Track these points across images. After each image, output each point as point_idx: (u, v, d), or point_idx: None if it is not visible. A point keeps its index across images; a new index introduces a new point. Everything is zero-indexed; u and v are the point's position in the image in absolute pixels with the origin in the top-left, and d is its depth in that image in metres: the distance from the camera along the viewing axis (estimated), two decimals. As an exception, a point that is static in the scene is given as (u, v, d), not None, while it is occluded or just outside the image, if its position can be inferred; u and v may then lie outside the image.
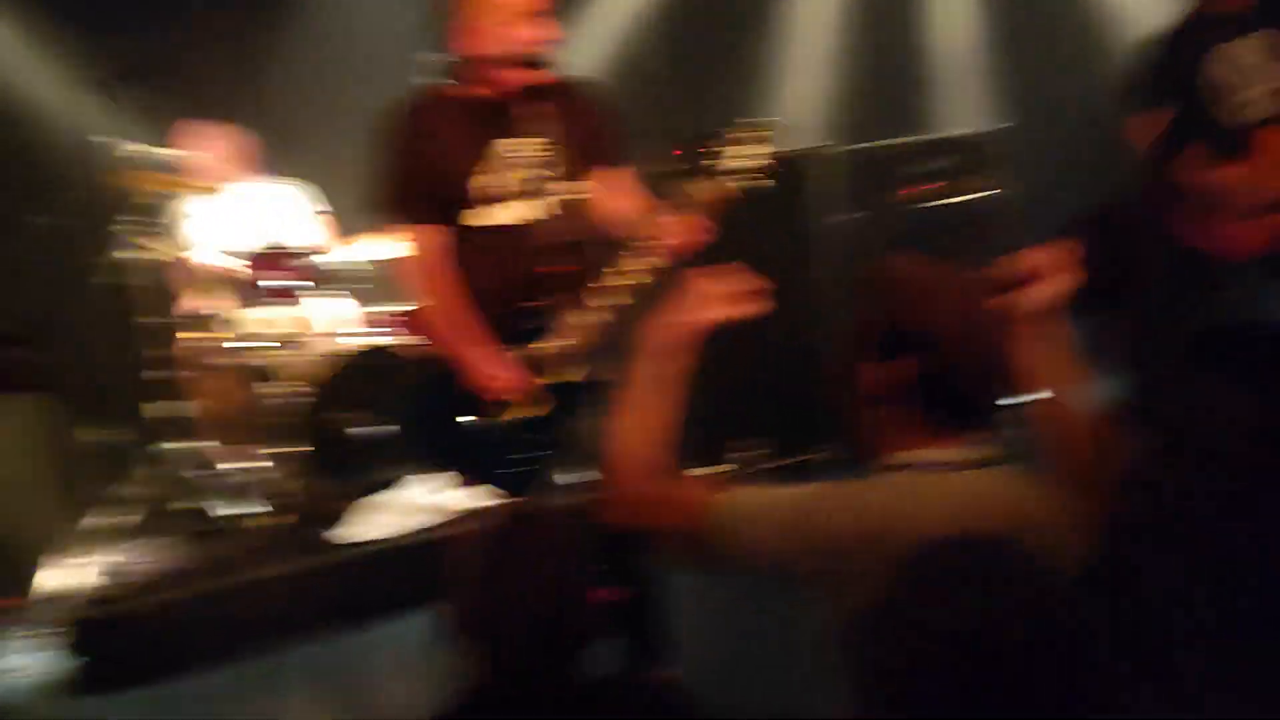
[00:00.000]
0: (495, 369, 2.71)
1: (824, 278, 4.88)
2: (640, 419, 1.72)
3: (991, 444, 1.64)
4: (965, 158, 5.26)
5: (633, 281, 2.69)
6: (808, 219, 4.93)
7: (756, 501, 1.64)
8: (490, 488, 2.80)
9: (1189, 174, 3.71)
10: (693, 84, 5.88)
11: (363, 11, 5.20)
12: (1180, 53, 3.77)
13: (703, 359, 3.79)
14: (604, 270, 2.62)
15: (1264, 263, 3.76)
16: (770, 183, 2.65)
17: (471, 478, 2.86)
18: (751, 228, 4.48)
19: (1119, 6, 5.52)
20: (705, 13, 5.96)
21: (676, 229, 2.62)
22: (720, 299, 1.77)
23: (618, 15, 5.92)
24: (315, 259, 4.51)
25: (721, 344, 4.61)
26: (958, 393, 1.60)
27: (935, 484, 1.56)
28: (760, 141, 2.60)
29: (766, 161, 2.60)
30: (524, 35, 2.61)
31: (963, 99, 6.13)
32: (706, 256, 4.15)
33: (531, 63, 2.62)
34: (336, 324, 4.64)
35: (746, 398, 4.65)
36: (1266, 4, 3.70)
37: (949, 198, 5.23)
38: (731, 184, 2.60)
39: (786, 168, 4.75)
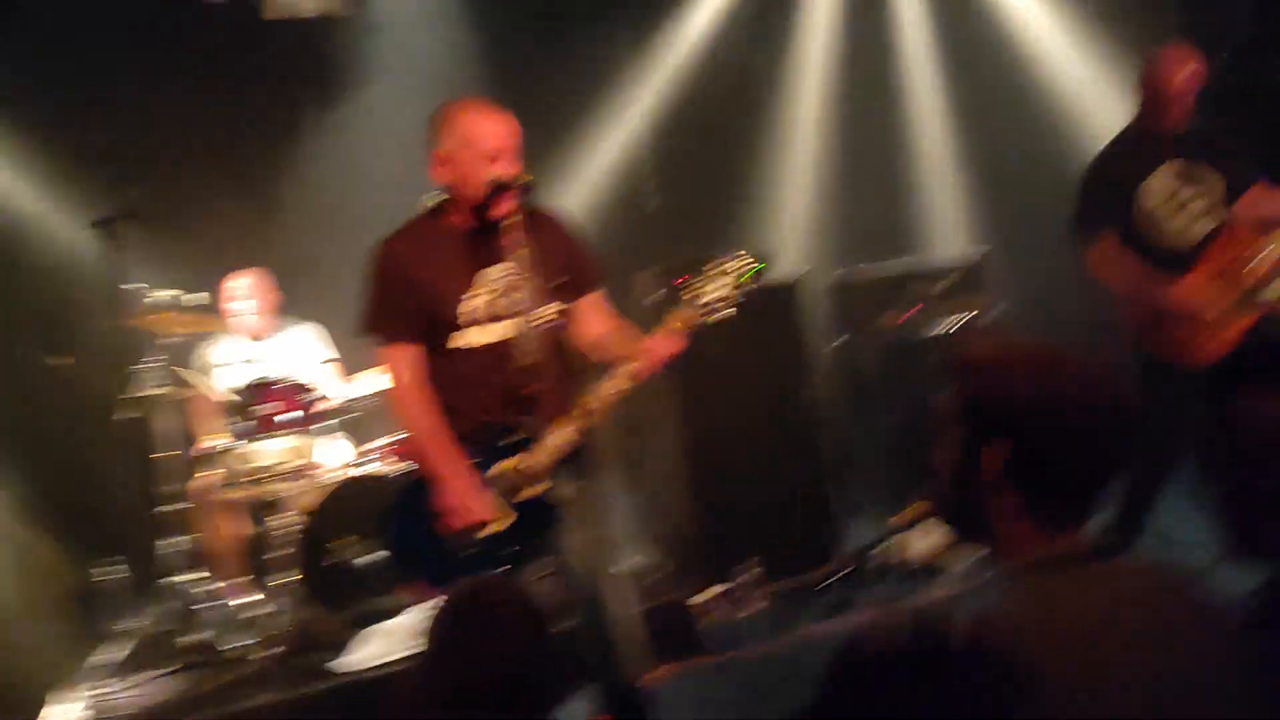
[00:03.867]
0: (466, 498, 2.85)
1: (820, 398, 5.01)
2: None
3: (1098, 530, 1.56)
4: (950, 283, 5.44)
5: (608, 401, 2.84)
6: (803, 341, 5.08)
7: None
8: None
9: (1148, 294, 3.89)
10: (690, 213, 6.16)
11: (371, 150, 5.47)
12: (1117, 180, 3.98)
13: (704, 480, 3.77)
14: (581, 389, 2.76)
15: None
16: (733, 312, 2.84)
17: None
18: (756, 346, 4.74)
19: (1087, 129, 5.79)
20: (699, 145, 6.26)
21: (652, 351, 2.80)
22: None
23: (618, 149, 6.24)
24: (317, 395, 4.68)
25: (721, 466, 4.72)
26: (1059, 477, 1.50)
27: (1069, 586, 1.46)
28: (729, 276, 2.87)
29: (736, 294, 2.87)
30: (494, 172, 2.83)
31: (947, 226, 6.36)
32: (712, 372, 4.28)
33: (504, 191, 2.83)
34: (338, 457, 4.80)
35: (745, 518, 4.74)
36: (1195, 127, 3.96)
37: (935, 322, 5.39)
38: (704, 314, 2.87)
39: (784, 293, 5.03)
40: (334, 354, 5.17)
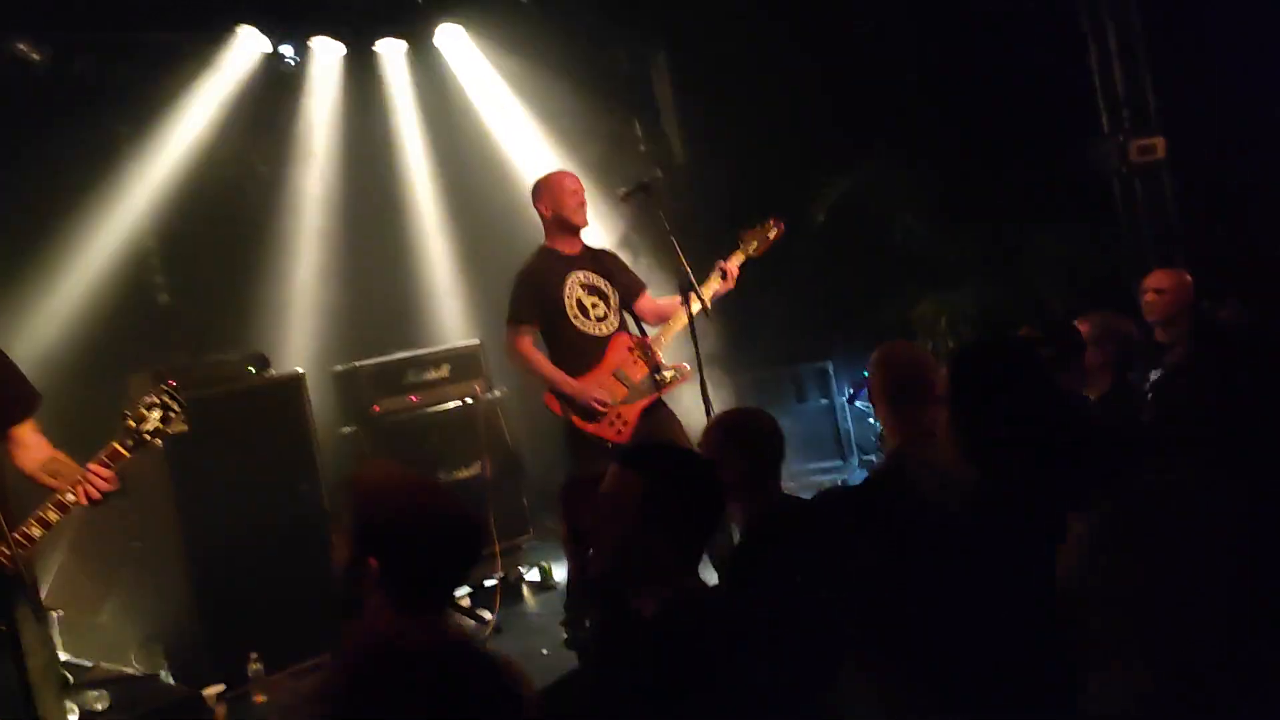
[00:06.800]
0: None
1: (325, 488, 5.21)
2: None
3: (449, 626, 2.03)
4: (446, 369, 5.89)
5: (48, 521, 2.91)
6: (308, 433, 5.27)
7: None
8: None
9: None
10: (200, 310, 6.14)
11: None
12: (535, 286, 4.70)
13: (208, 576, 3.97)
14: (14, 517, 2.81)
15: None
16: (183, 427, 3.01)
17: None
18: (259, 442, 4.87)
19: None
20: (206, 242, 6.25)
21: (86, 481, 2.89)
22: None
23: (121, 241, 6.00)
24: None
25: (225, 561, 4.76)
26: (414, 581, 1.94)
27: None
28: (163, 407, 3.02)
29: (169, 423, 3.05)
30: None
31: (445, 319, 6.84)
32: (215, 469, 4.39)
33: None
34: None
35: (249, 612, 4.82)
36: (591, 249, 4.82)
37: (433, 406, 5.81)
38: (136, 442, 3.02)
39: (288, 387, 5.21)
40: None
